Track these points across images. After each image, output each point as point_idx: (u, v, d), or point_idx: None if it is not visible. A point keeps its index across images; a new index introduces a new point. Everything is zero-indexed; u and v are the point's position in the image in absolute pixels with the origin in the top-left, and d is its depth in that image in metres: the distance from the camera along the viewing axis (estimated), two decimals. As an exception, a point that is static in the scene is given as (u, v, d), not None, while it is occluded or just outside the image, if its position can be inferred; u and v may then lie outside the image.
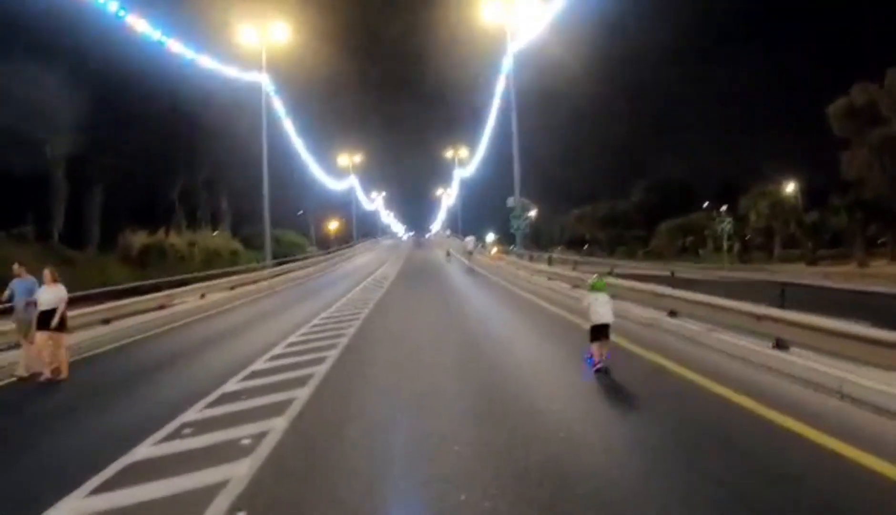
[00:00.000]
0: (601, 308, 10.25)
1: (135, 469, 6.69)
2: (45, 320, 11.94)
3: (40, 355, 11.93)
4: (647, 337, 13.52)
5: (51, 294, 12.24)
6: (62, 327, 12.21)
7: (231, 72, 41.97)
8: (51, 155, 42.96)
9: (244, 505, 5.58)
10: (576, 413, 8.28)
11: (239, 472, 6.34)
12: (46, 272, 12.35)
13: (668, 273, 20.79)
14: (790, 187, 65.76)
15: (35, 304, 12.29)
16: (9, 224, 37.51)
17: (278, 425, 7.93)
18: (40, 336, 11.89)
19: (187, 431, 7.97)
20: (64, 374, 11.89)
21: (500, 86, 48.09)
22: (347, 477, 6.25)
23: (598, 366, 10.07)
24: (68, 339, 12.78)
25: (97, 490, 6.17)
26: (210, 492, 5.86)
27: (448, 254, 55.52)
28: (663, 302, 15.16)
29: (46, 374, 11.77)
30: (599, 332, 10.19)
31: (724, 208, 67.85)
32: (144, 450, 7.26)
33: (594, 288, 10.67)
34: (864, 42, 58.11)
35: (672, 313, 14.51)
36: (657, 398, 8.92)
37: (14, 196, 39.80)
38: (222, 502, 5.66)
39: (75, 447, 7.85)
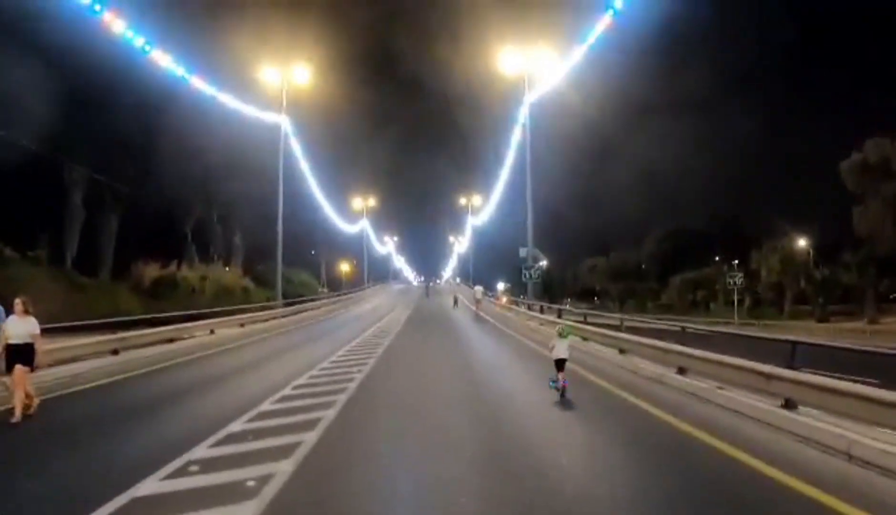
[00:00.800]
0: (560, 348, 13.70)
1: (138, 504, 6.68)
2: (14, 354, 11.02)
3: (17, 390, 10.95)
4: (655, 393, 13.46)
5: (21, 327, 11.20)
6: (31, 364, 11.23)
7: (251, 111, 42.59)
8: (69, 180, 43.40)
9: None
10: (579, 466, 8.24)
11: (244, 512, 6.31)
12: (18, 302, 11.27)
13: (678, 328, 20.74)
14: (802, 242, 65.72)
15: None
16: (23, 246, 37.75)
17: (284, 468, 7.90)
18: (17, 372, 10.94)
19: (193, 468, 7.96)
20: (16, 417, 10.74)
21: (515, 135, 48.57)
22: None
23: (559, 385, 13.20)
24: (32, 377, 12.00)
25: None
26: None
27: (455, 301, 56.57)
28: (672, 358, 15.08)
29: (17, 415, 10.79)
30: (559, 364, 13.43)
31: (735, 262, 67.82)
32: (149, 486, 7.24)
33: (560, 335, 14.20)
34: (877, 97, 58.09)
35: (681, 370, 14.42)
36: (664, 454, 8.86)
37: (30, 218, 40.16)
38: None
39: (78, 479, 7.82)
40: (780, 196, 74.07)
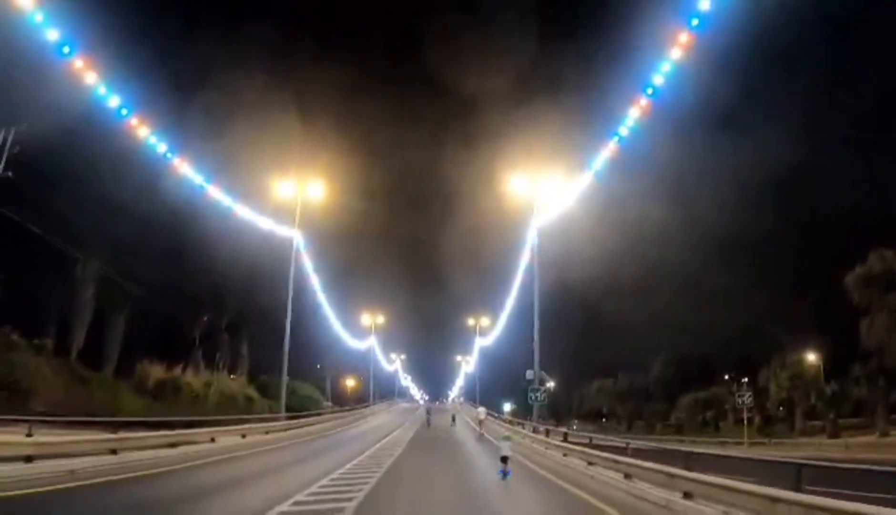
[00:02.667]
0: (504, 447, 20.77)
1: None
2: None
3: None
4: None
5: None
6: None
7: (265, 222, 43.55)
8: (81, 275, 43.87)
9: None
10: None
11: None
12: None
13: (684, 450, 20.46)
14: (811, 357, 65.22)
15: None
16: (30, 333, 37.83)
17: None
18: None
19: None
20: None
21: (523, 258, 49.20)
22: None
23: (505, 471, 19.97)
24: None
25: None
26: None
27: (453, 419, 58.67)
28: (677, 483, 14.81)
29: None
30: (504, 460, 20.22)
31: (744, 380, 67.20)
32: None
33: (504, 438, 21.77)
34: (880, 209, 58.54)
35: (686, 495, 14.14)
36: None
37: (38, 307, 40.37)
38: None
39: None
40: (787, 312, 73.95)
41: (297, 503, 13.91)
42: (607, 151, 34.71)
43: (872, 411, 56.65)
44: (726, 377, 77.08)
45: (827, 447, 46.90)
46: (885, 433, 50.87)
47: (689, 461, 16.27)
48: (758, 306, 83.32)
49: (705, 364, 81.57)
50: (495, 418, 59.82)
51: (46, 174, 32.15)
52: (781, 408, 66.61)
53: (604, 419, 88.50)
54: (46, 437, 16.82)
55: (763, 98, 77.35)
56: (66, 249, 38.45)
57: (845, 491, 10.06)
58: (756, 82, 66.65)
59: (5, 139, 25.10)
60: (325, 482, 17.82)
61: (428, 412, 57.85)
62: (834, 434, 55.18)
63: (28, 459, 14.99)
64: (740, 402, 56.31)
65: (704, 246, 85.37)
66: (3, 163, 25.12)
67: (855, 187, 65.43)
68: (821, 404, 61.81)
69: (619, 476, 18.84)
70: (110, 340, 47.75)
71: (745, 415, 57.64)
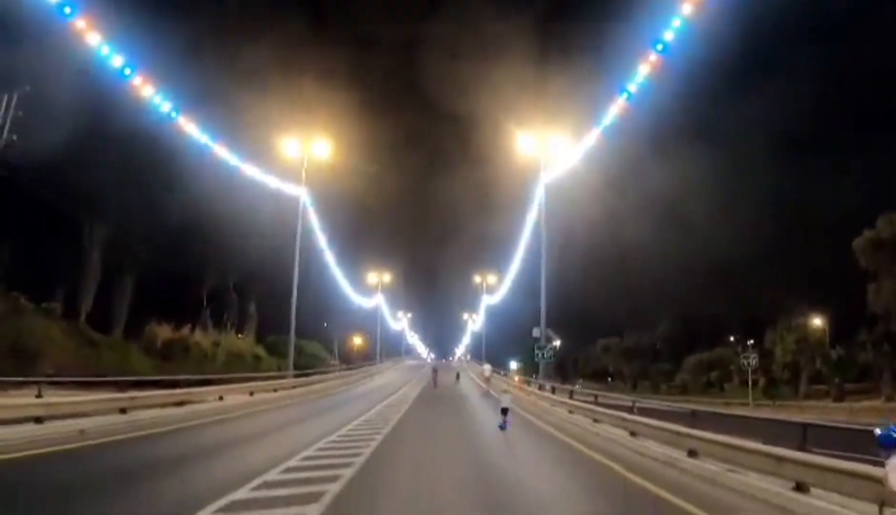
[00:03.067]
0: (504, 400, 22.06)
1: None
2: None
3: None
4: (665, 476, 13.27)
5: None
6: None
7: (272, 181, 43.35)
8: (88, 238, 43.89)
9: None
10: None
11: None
12: None
13: (689, 410, 20.57)
14: (817, 321, 65.12)
15: None
16: (38, 298, 37.98)
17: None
18: None
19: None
20: None
21: (531, 215, 49.01)
22: None
23: (504, 423, 21.29)
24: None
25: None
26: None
27: (457, 376, 59.68)
28: (683, 441, 14.88)
29: None
30: (504, 411, 21.45)
31: (750, 342, 67.19)
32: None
33: (503, 392, 23.37)
34: (890, 173, 57.93)
35: (692, 453, 14.21)
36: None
37: (47, 270, 40.48)
38: None
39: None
40: (795, 276, 73.63)
41: (305, 458, 14.05)
42: (616, 107, 34.35)
43: (878, 376, 56.59)
44: (732, 338, 77.03)
45: (832, 411, 46.87)
46: (890, 399, 50.88)
47: (695, 419, 16.33)
48: (766, 268, 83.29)
49: (712, 325, 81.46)
50: (501, 375, 60.20)
51: (51, 138, 32.07)
52: (786, 370, 66.62)
53: (610, 379, 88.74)
54: (56, 398, 16.95)
55: (777, 53, 76.48)
56: (73, 212, 38.42)
57: (850, 454, 10.05)
58: (769, 38, 65.68)
59: (9, 103, 24.94)
60: (332, 438, 18.03)
61: (434, 372, 52.76)
62: (839, 398, 55.21)
63: (38, 420, 15.11)
64: (746, 364, 56.34)
65: (715, 203, 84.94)
66: (7, 127, 25.00)
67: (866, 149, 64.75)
68: (826, 368, 61.77)
69: (624, 434, 18.98)
70: (118, 302, 47.97)
71: (749, 377, 57.72)
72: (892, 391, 52.53)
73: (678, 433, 15.41)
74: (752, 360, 55.88)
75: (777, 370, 66.71)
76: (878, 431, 7.01)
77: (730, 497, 11.17)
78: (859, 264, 55.53)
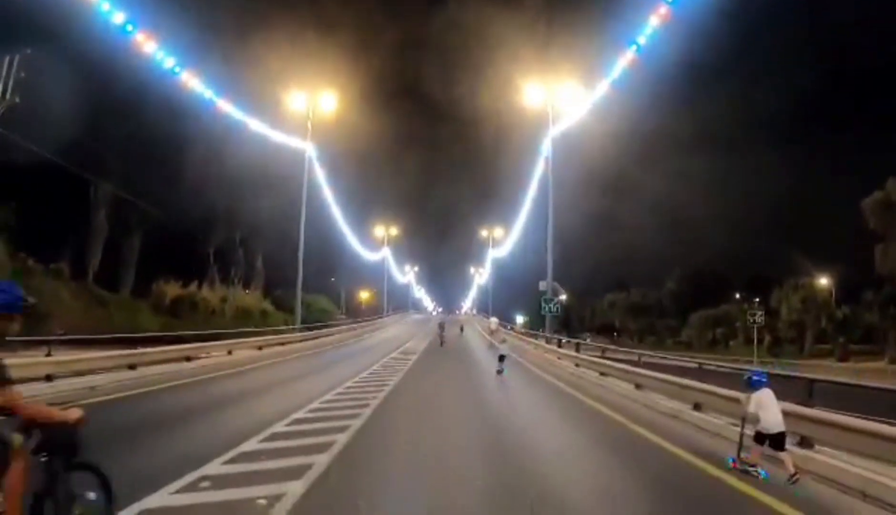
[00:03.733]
0: (503, 348, 25.34)
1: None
2: None
3: None
4: (670, 429, 13.38)
5: None
6: None
7: (277, 136, 43.06)
8: (94, 197, 43.87)
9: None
10: (582, 488, 8.15)
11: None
12: None
13: (695, 365, 20.65)
14: (823, 281, 65.10)
15: None
16: (46, 259, 38.06)
17: (296, 488, 7.87)
18: None
19: (204, 485, 7.94)
20: None
21: (538, 169, 48.76)
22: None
23: (501, 370, 24.24)
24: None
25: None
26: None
27: (461, 329, 59.61)
28: (688, 395, 14.93)
29: None
30: (501, 358, 24.78)
31: (756, 300, 67.21)
32: (158, 499, 7.23)
33: (502, 341, 26.45)
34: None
35: (696, 406, 14.27)
36: (679, 490, 8.79)
37: (54, 231, 40.52)
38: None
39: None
40: (802, 235, 73.48)
41: (312, 410, 14.21)
42: (625, 60, 33.89)
43: (883, 337, 56.66)
44: (738, 296, 77.01)
45: (836, 371, 46.90)
46: (894, 360, 50.96)
47: (701, 374, 16.36)
48: (773, 227, 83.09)
49: (718, 283, 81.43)
50: (507, 329, 60.65)
51: (55, 98, 31.86)
52: (791, 329, 66.70)
53: (616, 335, 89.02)
54: (65, 356, 17.06)
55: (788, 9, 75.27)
56: (78, 173, 38.31)
57: (854, 414, 10.06)
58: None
59: (10, 65, 24.73)
60: (339, 390, 18.25)
61: (441, 328, 45.43)
62: (843, 358, 55.39)
63: (48, 378, 15.24)
64: (752, 321, 56.29)
65: (723, 158, 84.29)
66: (10, 89, 24.83)
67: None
68: (831, 327, 61.87)
69: (630, 387, 19.05)
70: (126, 261, 48.21)
71: (755, 335, 57.73)
72: None
73: (683, 387, 15.47)
74: (758, 317, 55.79)
75: (782, 328, 66.85)
76: (746, 375, 10.51)
77: (734, 451, 11.19)
78: (867, 225, 55.25)
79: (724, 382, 14.44)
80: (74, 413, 5.27)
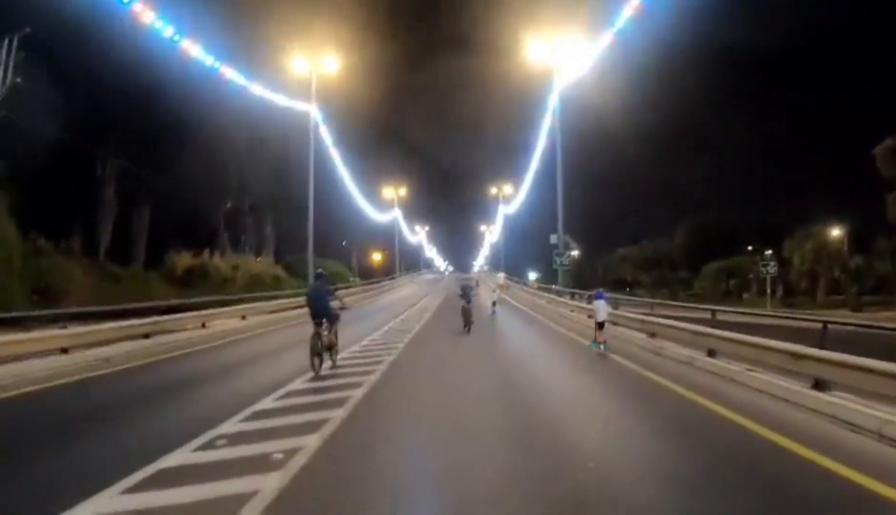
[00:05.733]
0: (494, 296, 33.36)
1: (168, 474, 6.80)
2: None
3: None
4: (683, 375, 13.37)
5: None
6: None
7: (281, 100, 42.76)
8: (101, 172, 43.85)
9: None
10: (602, 440, 8.21)
11: (269, 485, 6.38)
12: None
13: (708, 315, 20.66)
14: (835, 232, 64.62)
15: None
16: (56, 237, 38.20)
17: (311, 442, 7.97)
18: None
19: (221, 442, 8.06)
20: None
21: (545, 123, 48.34)
22: (374, 494, 6.33)
23: (493, 313, 31.37)
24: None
25: (129, 490, 6.31)
26: (240, 501, 5.91)
27: (476, 284, 57.64)
28: (702, 341, 14.94)
29: None
30: (493, 303, 31.87)
31: (768, 252, 66.86)
32: (179, 457, 7.36)
33: (493, 291, 37.57)
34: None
35: (710, 353, 14.28)
36: (692, 434, 8.79)
37: (63, 209, 40.55)
38: (250, 511, 5.71)
39: (111, 450, 8.03)
40: (813, 185, 72.72)
41: (329, 368, 14.35)
42: (630, 8, 33.32)
43: (892, 287, 56.26)
44: (750, 248, 76.47)
45: (850, 319, 46.60)
46: None
47: (714, 322, 16.36)
48: (785, 176, 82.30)
49: (729, 234, 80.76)
50: (517, 283, 61.60)
51: (57, 75, 31.74)
52: (803, 280, 66.31)
53: (628, 289, 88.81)
54: (80, 328, 17.17)
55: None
56: (85, 148, 38.26)
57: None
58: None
59: (10, 46, 24.62)
60: (355, 348, 18.79)
61: (465, 298, 27.08)
62: (856, 308, 54.94)
63: (64, 351, 15.36)
64: (765, 271, 55.81)
65: (732, 110, 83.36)
66: (10, 70, 24.76)
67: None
68: (844, 277, 61.44)
69: (643, 336, 19.08)
70: (137, 234, 48.27)
71: (768, 285, 57.39)
72: None
73: (697, 333, 15.49)
74: (771, 268, 55.31)
75: (795, 278, 66.44)
76: (593, 293, 20.26)
77: (748, 394, 11.22)
78: (880, 173, 54.56)
79: (739, 331, 14.44)
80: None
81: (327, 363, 14.26)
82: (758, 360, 12.35)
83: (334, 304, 15.44)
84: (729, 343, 13.66)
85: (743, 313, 24.93)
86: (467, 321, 24.09)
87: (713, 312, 18.49)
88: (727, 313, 22.67)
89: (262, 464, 7.04)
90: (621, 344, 18.86)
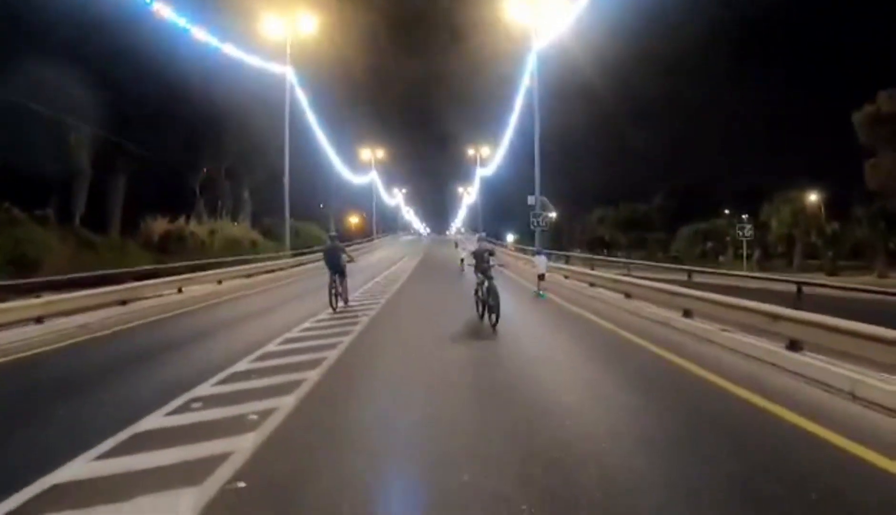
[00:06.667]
0: (462, 254, 33.34)
1: (142, 437, 6.79)
2: None
3: None
4: (661, 335, 13.43)
5: None
6: None
7: (255, 62, 42.25)
8: (75, 142, 43.13)
9: (245, 477, 5.65)
10: (573, 394, 8.27)
11: (243, 445, 6.41)
12: None
13: (684, 277, 20.81)
14: (813, 197, 65.04)
15: None
16: (31, 206, 37.67)
17: (287, 402, 8.02)
18: None
19: (196, 405, 8.05)
20: None
21: (523, 85, 48.10)
22: (350, 453, 6.35)
23: (462, 269, 32.23)
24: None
25: (105, 455, 6.30)
26: (215, 462, 5.93)
27: (455, 244, 57.96)
28: (678, 301, 15.02)
29: None
30: (462, 261, 33.34)
31: (745, 216, 67.16)
32: (153, 421, 7.35)
33: (461, 250, 36.47)
34: (891, 48, 56.57)
35: (686, 313, 14.38)
36: (666, 393, 8.85)
37: (37, 179, 39.92)
38: (225, 471, 5.73)
39: (88, 414, 7.97)
40: (791, 150, 73.00)
41: (318, 319, 15.58)
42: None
43: (871, 253, 56.78)
44: (727, 211, 76.80)
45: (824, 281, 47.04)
46: (882, 275, 51.15)
47: (691, 283, 16.44)
48: (763, 141, 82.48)
49: (707, 197, 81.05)
50: (494, 244, 61.69)
51: (27, 40, 31.12)
52: (780, 243, 66.76)
53: (605, 250, 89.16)
54: (54, 296, 16.94)
55: None
56: (57, 116, 37.56)
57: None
58: None
59: None
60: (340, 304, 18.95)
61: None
62: (832, 273, 55.43)
63: (38, 320, 15.12)
64: (741, 234, 56.11)
65: (711, 75, 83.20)
66: None
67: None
68: (820, 242, 61.93)
69: (620, 297, 19.19)
70: (112, 202, 47.67)
71: (744, 249, 57.75)
72: (885, 268, 52.77)
73: (673, 294, 15.55)
74: (747, 231, 55.61)
75: (772, 241, 66.94)
76: (534, 250, 29.65)
77: (724, 354, 11.31)
78: (858, 138, 54.75)
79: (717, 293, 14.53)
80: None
81: (340, 304, 18.71)
82: (734, 320, 12.43)
83: (344, 258, 19.65)
84: (704, 304, 13.75)
85: (718, 273, 25.02)
86: (488, 308, 15.27)
87: (689, 273, 18.46)
88: (704, 273, 22.87)
89: (237, 426, 7.07)
90: (598, 304, 19.00)
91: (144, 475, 5.77)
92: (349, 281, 20.35)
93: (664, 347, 12.00)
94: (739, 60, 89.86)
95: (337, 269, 19.05)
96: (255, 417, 7.38)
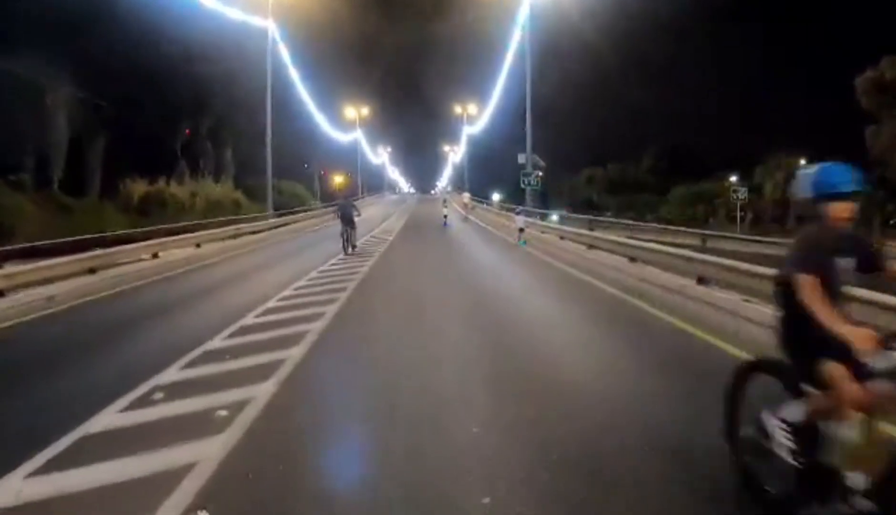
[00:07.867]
0: (445, 211, 42.27)
1: (92, 442, 5.69)
2: None
3: None
4: (672, 303, 12.46)
5: None
6: None
7: (236, 14, 40.73)
8: (52, 103, 41.69)
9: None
10: (555, 343, 7.35)
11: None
12: None
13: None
14: (804, 162, 64.38)
15: None
16: (6, 171, 36.57)
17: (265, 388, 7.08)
18: None
19: (158, 395, 6.98)
20: None
21: (514, 40, 46.82)
22: (340, 432, 5.81)
23: (445, 224, 39.75)
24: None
25: (39, 472, 5.12)
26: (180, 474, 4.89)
27: (444, 202, 57.31)
28: (691, 267, 13.79)
29: None
30: (445, 217, 41.81)
31: (734, 178, 66.44)
32: (101, 421, 6.19)
33: (444, 206, 43.78)
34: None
35: (701, 280, 13.18)
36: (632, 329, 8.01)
37: (12, 143, 38.65)
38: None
39: (27, 413, 6.73)
40: (789, 115, 72.21)
41: (311, 277, 15.94)
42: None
43: (868, 221, 56.04)
44: (719, 173, 75.96)
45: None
46: (879, 243, 50.51)
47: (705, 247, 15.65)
48: (760, 105, 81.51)
49: (699, 160, 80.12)
50: (480, 203, 61.47)
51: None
52: (774, 207, 66.18)
53: (594, 211, 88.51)
54: (16, 268, 15.78)
55: None
56: (32, 77, 36.20)
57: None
58: None
59: None
60: (325, 266, 19.18)
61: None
62: None
63: (0, 294, 14.06)
64: (735, 197, 55.13)
65: (711, 35, 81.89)
66: None
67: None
68: None
69: (622, 260, 18.05)
70: (91, 164, 46.56)
71: (738, 212, 56.97)
72: (882, 237, 52.08)
73: (688, 259, 14.34)
74: (742, 193, 54.68)
75: (765, 205, 66.27)
76: (517, 210, 32.80)
77: (745, 326, 10.37)
78: (860, 103, 53.69)
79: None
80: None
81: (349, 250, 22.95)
82: (754, 288, 11.39)
83: (354, 213, 24.31)
84: (722, 270, 12.66)
85: (726, 236, 24.28)
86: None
87: (704, 238, 17.42)
88: (718, 238, 22.14)
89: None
90: (598, 267, 18.09)
91: (82, 498, 4.65)
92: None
93: (680, 317, 11.06)
94: (742, 20, 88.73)
95: (349, 222, 23.71)
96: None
